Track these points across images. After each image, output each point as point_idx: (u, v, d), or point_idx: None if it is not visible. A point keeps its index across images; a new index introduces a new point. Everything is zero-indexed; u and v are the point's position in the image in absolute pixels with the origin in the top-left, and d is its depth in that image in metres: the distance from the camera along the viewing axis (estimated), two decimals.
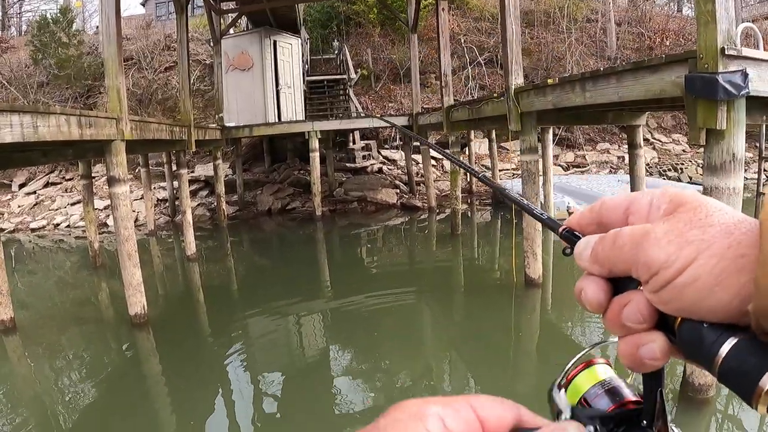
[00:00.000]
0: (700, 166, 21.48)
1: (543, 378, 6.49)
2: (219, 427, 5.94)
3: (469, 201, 19.28)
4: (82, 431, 6.23)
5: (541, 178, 11.62)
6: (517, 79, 9.40)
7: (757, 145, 6.45)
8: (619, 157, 23.86)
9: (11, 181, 24.20)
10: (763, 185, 7.80)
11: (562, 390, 0.57)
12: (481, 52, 26.69)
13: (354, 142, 22.25)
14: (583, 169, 22.96)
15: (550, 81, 8.21)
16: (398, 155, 22.85)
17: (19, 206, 23.09)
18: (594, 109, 9.52)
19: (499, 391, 6.06)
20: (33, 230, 20.97)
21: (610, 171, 22.84)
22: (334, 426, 5.77)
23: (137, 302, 8.97)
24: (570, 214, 15.49)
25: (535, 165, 9.47)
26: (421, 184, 19.94)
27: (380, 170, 21.74)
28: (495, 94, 10.96)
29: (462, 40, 26.73)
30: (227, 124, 18.08)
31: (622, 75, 6.19)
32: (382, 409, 0.46)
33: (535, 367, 7.12)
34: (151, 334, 8.93)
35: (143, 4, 46.99)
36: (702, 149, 5.08)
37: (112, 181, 8.89)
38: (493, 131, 19.20)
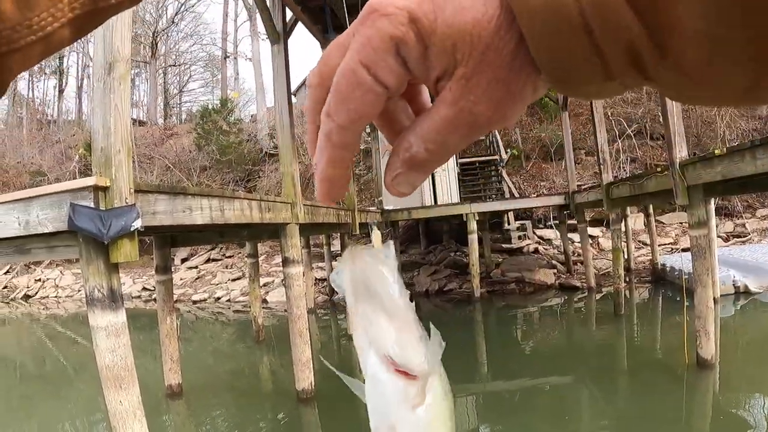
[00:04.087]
0: None
1: None
2: None
3: (627, 279, 18.73)
4: None
5: None
6: (681, 152, 9.10)
7: None
8: None
9: (174, 255, 25.57)
10: None
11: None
12: (629, 124, 26.14)
13: (509, 223, 22.17)
14: (744, 238, 21.73)
15: (717, 151, 7.87)
16: (553, 234, 22.53)
17: (181, 279, 24.52)
18: (762, 176, 9.17)
19: None
20: (194, 302, 22.20)
21: None
22: None
23: (305, 378, 9.18)
24: (736, 289, 14.83)
25: (705, 239, 8.99)
26: (578, 263, 19.58)
27: (536, 250, 21.46)
28: (658, 169, 10.69)
29: (609, 113, 26.27)
30: (386, 207, 18.47)
31: None
32: None
33: None
34: (317, 410, 9.09)
35: (294, 95, 49.23)
36: None
37: (286, 262, 9.28)
38: (651, 206, 18.73)
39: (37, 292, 27.72)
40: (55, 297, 27.01)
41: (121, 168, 5.01)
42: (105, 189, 4.89)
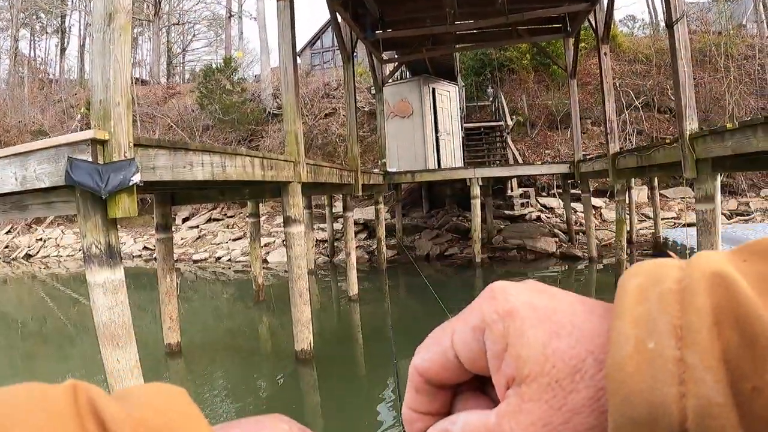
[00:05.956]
0: None
1: None
2: None
3: (629, 251, 18.64)
4: None
5: None
6: (691, 124, 8.96)
7: None
8: None
9: (175, 215, 25.73)
10: None
11: None
12: (637, 96, 25.88)
13: (512, 190, 21.94)
14: (747, 217, 21.58)
15: (729, 125, 7.72)
16: (556, 203, 22.40)
17: (182, 239, 24.62)
18: None
19: None
20: (195, 262, 22.30)
21: None
22: None
23: (305, 339, 9.14)
24: None
25: (711, 215, 8.96)
26: (580, 233, 19.48)
27: (538, 218, 21.31)
28: (667, 141, 10.53)
29: (617, 84, 25.83)
30: (389, 170, 18.34)
31: None
32: None
33: None
34: (315, 371, 9.05)
35: (299, 55, 49.14)
36: None
37: (287, 221, 9.20)
38: (656, 178, 18.59)
39: (38, 252, 27.77)
40: (56, 256, 27.07)
41: (121, 121, 4.90)
42: (103, 142, 4.78)
